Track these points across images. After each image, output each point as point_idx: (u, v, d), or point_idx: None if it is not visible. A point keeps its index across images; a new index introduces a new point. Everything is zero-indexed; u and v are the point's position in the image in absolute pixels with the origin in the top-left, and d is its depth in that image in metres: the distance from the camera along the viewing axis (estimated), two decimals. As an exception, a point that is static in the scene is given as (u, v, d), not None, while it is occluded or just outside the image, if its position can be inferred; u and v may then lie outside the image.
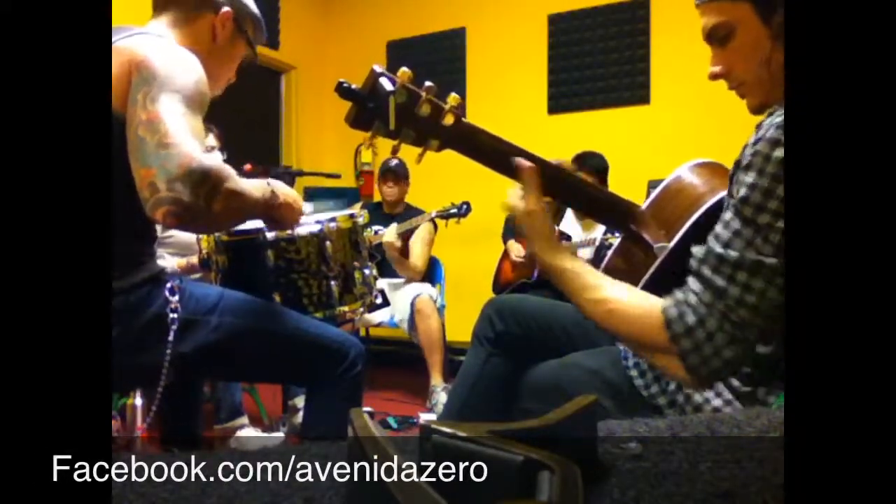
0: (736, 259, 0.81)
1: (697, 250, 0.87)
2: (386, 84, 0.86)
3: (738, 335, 0.82)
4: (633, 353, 1.01)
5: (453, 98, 0.92)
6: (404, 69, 0.88)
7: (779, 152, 0.78)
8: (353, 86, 0.88)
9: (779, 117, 0.81)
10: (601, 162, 2.97)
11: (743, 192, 0.81)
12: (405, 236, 3.11)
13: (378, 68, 0.88)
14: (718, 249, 0.83)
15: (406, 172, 3.26)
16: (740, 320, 0.81)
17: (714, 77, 0.96)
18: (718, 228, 0.85)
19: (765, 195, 0.79)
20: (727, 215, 0.85)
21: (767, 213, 0.79)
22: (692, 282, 0.86)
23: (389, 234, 2.99)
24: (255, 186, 1.07)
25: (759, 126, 0.86)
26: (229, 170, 0.97)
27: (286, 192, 1.16)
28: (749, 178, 0.81)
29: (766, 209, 0.79)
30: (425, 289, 3.07)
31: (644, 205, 1.08)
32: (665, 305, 0.87)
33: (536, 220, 0.98)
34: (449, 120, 0.92)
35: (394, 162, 3.21)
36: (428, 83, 0.90)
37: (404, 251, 3.13)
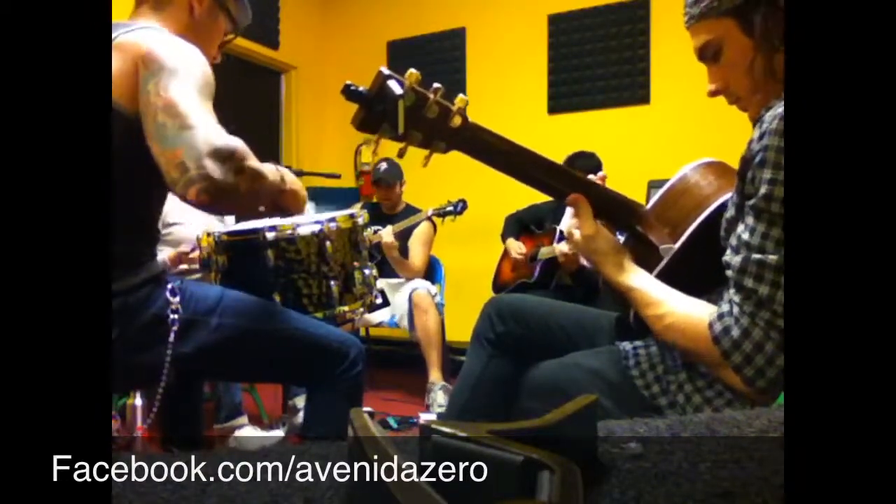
0: (776, 262, 0.80)
1: (733, 259, 0.85)
2: (395, 87, 0.85)
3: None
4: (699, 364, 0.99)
5: (461, 99, 0.91)
6: (412, 70, 0.86)
7: None
8: (361, 88, 0.87)
9: (780, 108, 0.81)
10: (593, 161, 2.94)
11: (764, 189, 0.80)
12: (403, 235, 3.12)
13: (385, 70, 0.86)
14: (756, 255, 0.82)
15: (395, 177, 3.23)
16: None
17: (713, 94, 0.97)
18: (745, 236, 0.84)
19: None
20: (749, 220, 0.83)
21: None
22: (733, 293, 0.85)
23: (386, 235, 2.99)
24: (269, 169, 1.07)
25: (759, 120, 0.85)
26: (248, 149, 0.98)
27: (292, 179, 1.16)
28: (766, 174, 0.80)
29: None
30: (423, 284, 3.07)
31: (649, 205, 1.07)
32: (710, 320, 0.87)
33: (596, 243, 1.00)
34: (456, 122, 0.91)
35: (383, 167, 3.20)
36: (436, 84, 0.89)
37: (403, 251, 3.13)
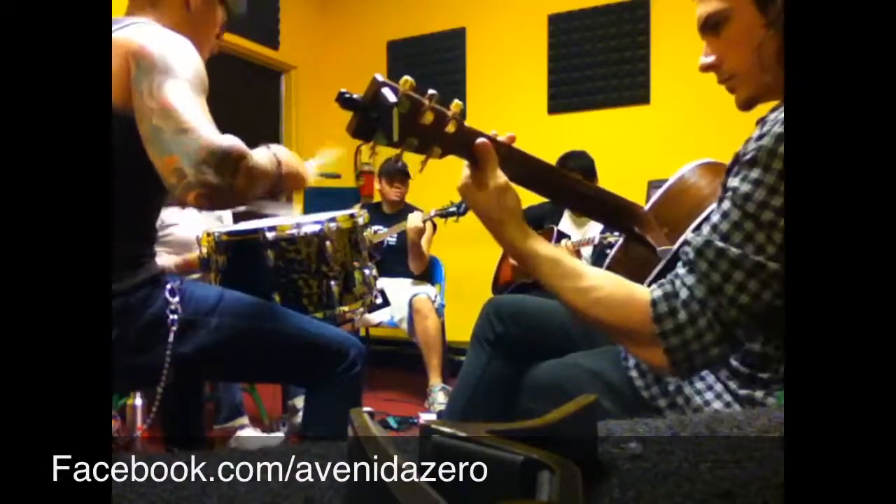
0: (735, 256, 0.78)
1: (695, 239, 0.83)
2: (389, 95, 0.84)
3: (726, 334, 0.80)
4: (615, 341, 0.98)
5: (456, 105, 0.91)
6: (406, 77, 0.85)
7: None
8: (355, 95, 0.87)
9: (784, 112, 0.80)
10: (585, 161, 2.94)
11: (747, 187, 0.79)
12: (403, 235, 3.12)
13: (380, 77, 0.86)
14: (718, 242, 0.80)
15: (408, 171, 3.27)
16: (730, 320, 0.79)
17: (705, 68, 0.93)
18: (716, 218, 0.82)
19: (770, 192, 0.77)
20: (726, 205, 0.81)
21: (771, 211, 0.76)
22: (685, 274, 0.83)
23: (414, 220, 2.95)
24: (265, 158, 1.08)
25: (761, 121, 0.84)
26: (245, 147, 0.99)
27: (288, 161, 1.15)
28: (754, 173, 0.78)
29: (769, 206, 0.77)
30: (423, 288, 3.08)
31: (647, 205, 1.07)
32: (655, 297, 0.84)
33: (506, 199, 0.90)
34: (452, 128, 0.91)
35: (399, 162, 3.19)
36: (431, 91, 0.88)
37: (402, 251, 3.13)
